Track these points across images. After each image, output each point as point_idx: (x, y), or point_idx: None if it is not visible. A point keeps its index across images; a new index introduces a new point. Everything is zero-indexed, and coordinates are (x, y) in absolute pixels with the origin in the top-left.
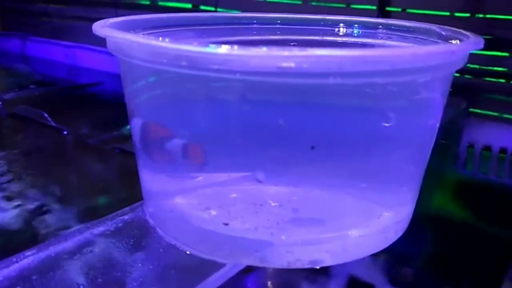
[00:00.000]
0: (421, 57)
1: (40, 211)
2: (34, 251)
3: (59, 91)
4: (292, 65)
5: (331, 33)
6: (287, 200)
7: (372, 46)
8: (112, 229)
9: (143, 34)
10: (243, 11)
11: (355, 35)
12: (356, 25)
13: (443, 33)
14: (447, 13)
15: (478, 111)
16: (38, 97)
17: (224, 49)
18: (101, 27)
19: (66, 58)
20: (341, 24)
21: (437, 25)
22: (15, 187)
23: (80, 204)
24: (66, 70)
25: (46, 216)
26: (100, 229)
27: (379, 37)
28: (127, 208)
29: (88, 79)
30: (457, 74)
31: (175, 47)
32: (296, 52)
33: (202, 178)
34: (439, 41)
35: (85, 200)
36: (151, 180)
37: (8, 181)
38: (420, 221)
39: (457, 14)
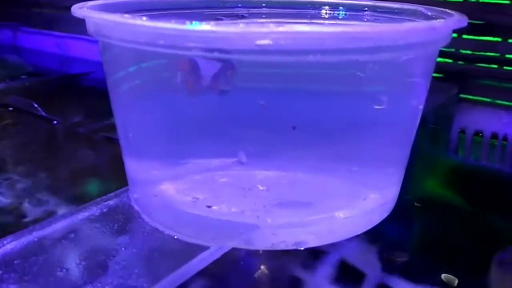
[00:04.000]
0: (402, 33)
1: (29, 198)
2: (17, 236)
3: (51, 82)
4: (270, 42)
5: (318, 16)
6: (275, 184)
7: None
8: (97, 214)
9: None
10: None
11: (341, 17)
12: (341, 8)
13: (429, 13)
14: None
15: (470, 97)
16: (29, 87)
17: (200, 26)
18: (79, 9)
19: (57, 49)
20: (327, 7)
21: (424, 6)
22: (4, 175)
23: (69, 192)
24: (58, 60)
25: (35, 203)
26: (85, 214)
27: (366, 19)
28: (111, 194)
29: (79, 69)
30: (449, 60)
31: (151, 25)
32: (273, 28)
33: (192, 164)
34: (425, 21)
35: (74, 188)
36: (136, 166)
37: None
38: (411, 206)
39: None
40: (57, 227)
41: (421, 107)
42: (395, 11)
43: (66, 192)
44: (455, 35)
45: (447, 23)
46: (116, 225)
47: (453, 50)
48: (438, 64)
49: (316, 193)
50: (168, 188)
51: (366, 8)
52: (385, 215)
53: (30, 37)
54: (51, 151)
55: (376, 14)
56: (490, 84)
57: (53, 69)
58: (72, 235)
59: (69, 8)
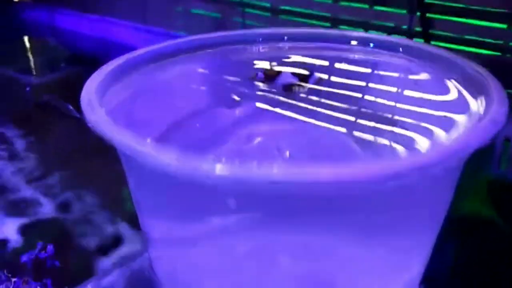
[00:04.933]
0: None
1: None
2: None
3: (88, 73)
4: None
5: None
6: (299, 257)
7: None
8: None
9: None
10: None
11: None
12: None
13: (467, 69)
14: (487, 24)
15: None
16: (66, 81)
17: (203, 164)
18: (96, 118)
19: (97, 32)
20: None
21: (462, 59)
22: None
23: (104, 195)
24: (97, 44)
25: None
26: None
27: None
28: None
29: (118, 55)
30: (497, 53)
31: (164, 158)
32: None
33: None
34: (457, 82)
35: (108, 191)
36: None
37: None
38: (453, 224)
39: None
40: None
41: (446, 209)
42: (433, 57)
43: (98, 194)
44: (504, 26)
45: (462, 145)
46: None
47: (501, 42)
48: (483, 57)
49: (342, 271)
50: (186, 262)
51: (401, 49)
52: None
53: (68, 18)
54: (80, 158)
55: (409, 57)
56: None
57: (91, 53)
58: None
59: None
